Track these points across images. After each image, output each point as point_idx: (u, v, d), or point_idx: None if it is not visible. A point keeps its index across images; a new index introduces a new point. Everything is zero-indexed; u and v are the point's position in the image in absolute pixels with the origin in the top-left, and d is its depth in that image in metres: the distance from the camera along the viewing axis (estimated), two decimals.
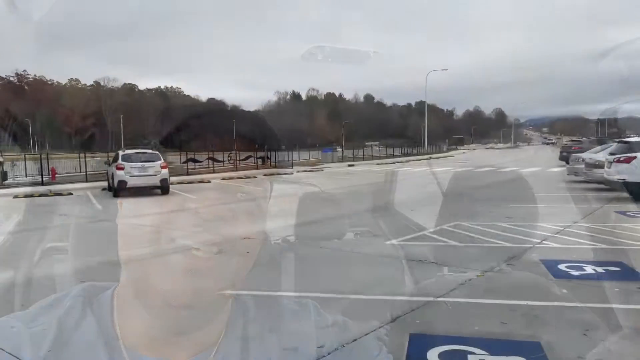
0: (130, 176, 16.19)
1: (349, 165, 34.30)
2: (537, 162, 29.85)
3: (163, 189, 16.90)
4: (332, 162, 36.85)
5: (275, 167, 29.62)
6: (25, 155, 23.35)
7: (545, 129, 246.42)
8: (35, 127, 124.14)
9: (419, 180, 21.57)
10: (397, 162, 40.03)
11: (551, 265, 6.51)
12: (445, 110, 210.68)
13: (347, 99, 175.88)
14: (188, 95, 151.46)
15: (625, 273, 6.12)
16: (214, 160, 36.95)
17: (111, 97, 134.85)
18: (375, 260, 7.03)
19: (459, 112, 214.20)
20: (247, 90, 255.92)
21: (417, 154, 52.04)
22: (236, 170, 30.99)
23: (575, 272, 6.15)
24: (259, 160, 39.97)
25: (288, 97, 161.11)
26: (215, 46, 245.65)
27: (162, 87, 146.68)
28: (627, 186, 12.24)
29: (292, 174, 27.58)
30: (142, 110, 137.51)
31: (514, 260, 6.87)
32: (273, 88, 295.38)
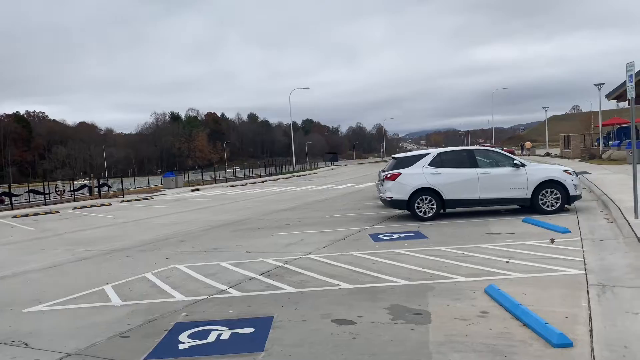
0: None
1: (193, 190, 31.67)
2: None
3: None
4: (176, 187, 33.90)
5: (100, 197, 25.52)
6: None
7: (423, 142, 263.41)
8: None
9: (236, 205, 19.62)
10: (252, 182, 38.13)
11: (173, 335, 4.58)
12: (331, 127, 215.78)
13: (229, 118, 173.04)
14: (54, 119, 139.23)
15: (248, 340, 4.35)
16: (35, 192, 32.26)
17: None
18: None
19: (344, 129, 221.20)
20: (123, 112, 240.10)
21: (282, 173, 50.64)
22: (45, 205, 27.00)
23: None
24: (91, 190, 34.85)
25: (167, 117, 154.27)
26: (85, 66, 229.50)
27: (23, 112, 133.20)
28: (394, 205, 11.11)
29: (110, 204, 24.34)
30: None
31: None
32: (150, 109, 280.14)
